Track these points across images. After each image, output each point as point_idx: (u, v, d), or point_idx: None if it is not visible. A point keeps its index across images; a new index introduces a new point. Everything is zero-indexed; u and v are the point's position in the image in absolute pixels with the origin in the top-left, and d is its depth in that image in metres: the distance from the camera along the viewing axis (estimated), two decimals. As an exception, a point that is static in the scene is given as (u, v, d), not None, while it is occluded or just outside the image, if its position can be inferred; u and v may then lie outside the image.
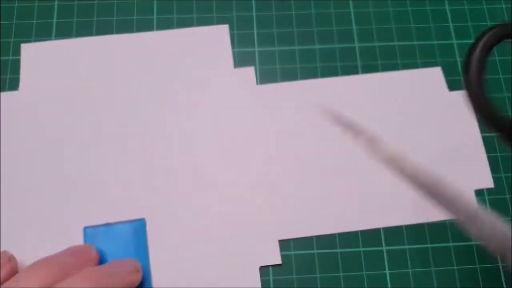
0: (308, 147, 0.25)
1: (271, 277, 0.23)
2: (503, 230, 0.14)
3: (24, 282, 0.18)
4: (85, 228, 0.23)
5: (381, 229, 0.24)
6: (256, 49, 0.27)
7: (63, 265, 0.20)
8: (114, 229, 0.23)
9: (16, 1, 0.28)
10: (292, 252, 0.24)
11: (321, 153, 0.25)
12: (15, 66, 0.26)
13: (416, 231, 0.24)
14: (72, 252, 0.21)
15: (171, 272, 0.23)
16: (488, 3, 0.29)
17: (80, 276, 0.19)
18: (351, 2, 0.29)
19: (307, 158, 0.25)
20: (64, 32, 0.27)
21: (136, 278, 0.21)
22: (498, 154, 0.26)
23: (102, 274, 0.20)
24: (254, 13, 0.28)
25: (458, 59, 0.28)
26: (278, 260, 0.23)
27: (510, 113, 0.27)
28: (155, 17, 0.28)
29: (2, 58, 0.27)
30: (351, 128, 0.17)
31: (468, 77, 0.15)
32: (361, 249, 0.24)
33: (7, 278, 0.20)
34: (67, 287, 0.18)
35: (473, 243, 0.24)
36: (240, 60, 0.27)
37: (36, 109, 0.25)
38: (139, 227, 0.23)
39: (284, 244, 0.24)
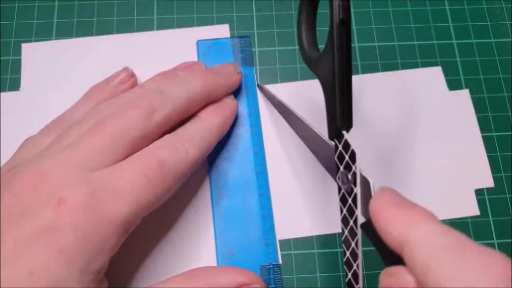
0: (308, 147, 0.25)
1: (271, 276, 0.23)
2: None
3: (142, 88, 0.22)
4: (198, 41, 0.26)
5: (381, 229, 0.24)
6: (256, 49, 0.27)
7: (177, 74, 0.23)
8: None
9: (17, 1, 0.28)
10: (292, 252, 0.24)
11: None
12: (16, 66, 0.26)
13: (416, 231, 0.24)
14: (184, 66, 0.24)
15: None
16: (488, 2, 0.29)
17: (189, 74, 0.23)
18: (351, 2, 0.29)
19: (307, 157, 0.25)
20: (65, 32, 0.27)
21: (238, 78, 0.25)
22: (498, 153, 0.26)
23: (207, 71, 0.23)
24: (254, 13, 0.28)
25: (458, 58, 0.28)
26: (278, 260, 0.23)
27: (510, 113, 0.27)
28: (155, 17, 0.28)
29: (2, 58, 0.27)
30: None
31: (298, 26, 0.22)
32: (362, 248, 0.24)
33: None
34: (178, 81, 0.22)
35: (473, 242, 0.24)
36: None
37: (37, 109, 0.26)
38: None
39: (284, 244, 0.24)
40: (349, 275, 0.17)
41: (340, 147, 0.18)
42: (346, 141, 0.18)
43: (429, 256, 0.13)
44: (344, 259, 0.18)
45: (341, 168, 0.18)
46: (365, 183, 0.17)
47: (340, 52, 0.17)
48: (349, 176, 0.17)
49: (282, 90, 0.26)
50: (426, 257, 0.13)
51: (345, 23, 0.17)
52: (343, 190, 0.18)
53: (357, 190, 0.17)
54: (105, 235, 0.17)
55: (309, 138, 0.23)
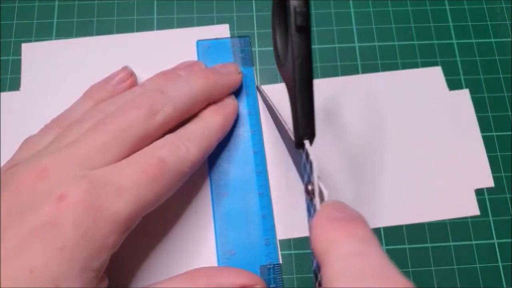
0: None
1: (271, 276, 0.23)
2: None
3: (143, 87, 0.23)
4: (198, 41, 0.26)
5: (381, 229, 0.24)
6: (256, 49, 0.27)
7: (177, 74, 0.24)
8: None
9: (17, 1, 0.28)
10: (292, 252, 0.24)
11: (321, 153, 0.25)
12: (16, 66, 0.26)
13: (416, 231, 0.24)
14: (184, 65, 0.25)
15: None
16: (488, 2, 0.29)
17: (190, 74, 0.23)
18: (351, 2, 0.29)
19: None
20: (65, 32, 0.27)
21: (239, 78, 0.25)
22: (498, 153, 0.26)
23: (208, 71, 0.23)
24: (254, 13, 0.28)
25: (458, 58, 0.28)
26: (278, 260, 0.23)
27: (510, 113, 0.27)
28: (155, 17, 0.28)
29: (2, 58, 0.27)
30: None
31: (272, 29, 0.20)
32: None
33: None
34: (179, 81, 0.22)
35: (473, 242, 0.24)
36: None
37: (37, 108, 0.26)
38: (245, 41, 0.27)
39: (284, 244, 0.24)
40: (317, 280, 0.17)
41: (303, 158, 0.18)
42: (307, 151, 0.17)
43: (333, 279, 0.13)
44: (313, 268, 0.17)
45: (305, 178, 0.18)
46: (322, 196, 0.16)
47: (299, 62, 0.17)
48: (309, 187, 0.17)
49: (282, 90, 0.26)
50: (331, 278, 0.13)
51: (303, 30, 0.16)
52: (307, 201, 0.18)
53: (316, 202, 0.16)
54: (105, 232, 0.17)
55: (288, 144, 0.23)
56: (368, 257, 0.13)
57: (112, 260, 0.18)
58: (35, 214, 0.16)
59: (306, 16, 0.16)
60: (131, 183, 0.18)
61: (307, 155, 0.17)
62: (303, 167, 0.18)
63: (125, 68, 0.24)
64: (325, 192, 0.16)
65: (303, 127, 0.17)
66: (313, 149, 0.17)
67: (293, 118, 0.18)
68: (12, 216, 0.17)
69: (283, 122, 0.22)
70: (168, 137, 0.20)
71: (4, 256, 0.16)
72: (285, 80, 0.19)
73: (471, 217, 0.25)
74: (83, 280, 0.16)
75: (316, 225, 0.15)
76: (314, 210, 0.16)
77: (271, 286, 0.23)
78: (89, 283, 0.17)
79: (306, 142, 0.17)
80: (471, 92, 0.27)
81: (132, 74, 0.24)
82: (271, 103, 0.24)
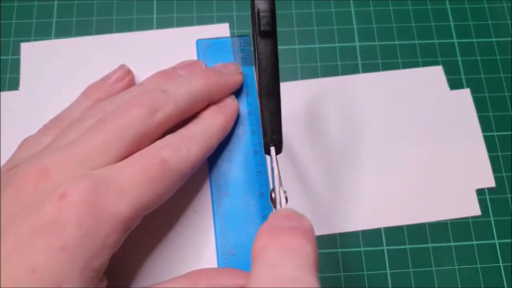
0: (309, 146, 0.25)
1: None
2: None
3: (143, 86, 0.23)
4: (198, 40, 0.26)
5: (382, 229, 0.24)
6: (257, 48, 0.27)
7: (177, 73, 0.24)
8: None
9: (16, 0, 0.28)
10: (293, 252, 0.24)
11: (321, 153, 0.25)
12: (15, 66, 0.26)
13: (417, 231, 0.24)
14: (184, 65, 0.25)
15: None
16: (489, 2, 0.29)
17: (191, 73, 0.23)
18: (351, 1, 0.29)
19: (308, 157, 0.25)
20: (64, 31, 0.27)
21: (239, 78, 0.24)
22: (500, 153, 0.26)
23: (209, 71, 0.23)
24: (254, 12, 0.28)
25: (459, 58, 0.28)
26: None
27: (511, 113, 0.27)
28: (155, 16, 0.28)
29: (2, 57, 0.27)
30: None
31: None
32: (362, 248, 0.24)
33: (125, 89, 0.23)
34: (179, 80, 0.22)
35: (474, 243, 0.24)
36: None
37: (36, 108, 0.25)
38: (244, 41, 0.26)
39: (285, 244, 0.24)
40: None
41: (270, 164, 0.18)
42: (271, 158, 0.17)
43: (248, 285, 0.14)
44: None
45: (271, 186, 0.18)
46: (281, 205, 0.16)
47: (263, 67, 0.16)
48: (273, 195, 0.17)
49: (282, 89, 0.26)
50: (247, 285, 0.14)
51: (268, 35, 0.16)
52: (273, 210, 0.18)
53: (278, 208, 0.17)
54: (106, 231, 0.17)
55: None
56: (281, 268, 0.14)
57: (113, 260, 0.18)
58: (36, 213, 0.16)
59: (270, 20, 0.15)
60: (132, 183, 0.18)
61: (272, 162, 0.17)
62: (271, 170, 0.18)
63: (122, 66, 0.24)
64: (283, 201, 0.16)
65: (269, 133, 0.17)
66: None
67: (260, 123, 0.18)
68: (13, 216, 0.16)
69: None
70: (169, 137, 0.20)
71: (6, 255, 0.16)
72: (256, 84, 0.18)
73: (472, 217, 0.25)
74: (84, 280, 0.16)
75: (258, 231, 0.15)
76: None
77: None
78: (90, 283, 0.16)
79: (272, 149, 0.17)
80: (472, 92, 0.27)
81: (129, 72, 0.24)
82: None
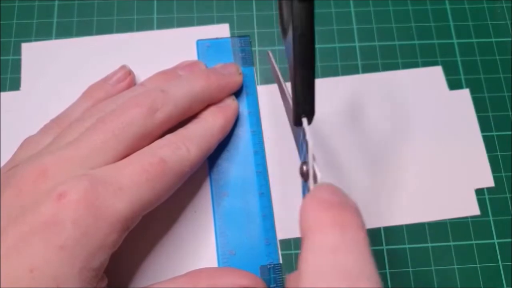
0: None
1: (271, 276, 0.23)
2: None
3: (143, 87, 0.23)
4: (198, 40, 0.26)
5: (382, 228, 0.24)
6: (257, 48, 0.27)
7: (177, 74, 0.24)
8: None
9: (17, 0, 0.28)
10: (293, 252, 0.24)
11: (320, 153, 0.25)
12: (16, 66, 0.26)
13: (416, 230, 0.24)
14: (185, 65, 0.25)
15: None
16: (489, 2, 0.29)
17: (191, 74, 0.23)
18: (351, 2, 0.29)
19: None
20: (65, 32, 0.27)
21: (239, 79, 0.25)
22: (499, 153, 0.26)
23: (209, 72, 0.23)
24: (254, 13, 0.28)
25: (458, 58, 0.28)
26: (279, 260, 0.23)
27: (510, 113, 0.27)
28: (155, 16, 0.28)
29: (2, 57, 0.27)
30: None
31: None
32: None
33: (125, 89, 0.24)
34: (180, 80, 0.22)
35: (473, 242, 0.24)
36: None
37: (37, 108, 0.25)
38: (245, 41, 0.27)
39: (285, 244, 0.24)
40: None
41: (301, 136, 0.17)
42: (304, 130, 0.16)
43: (302, 272, 0.13)
44: None
45: (301, 158, 0.17)
46: (316, 178, 0.15)
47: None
48: (304, 168, 0.16)
49: (280, 89, 0.26)
50: (301, 270, 0.13)
51: (304, 35, 0.15)
52: (302, 184, 0.17)
53: (310, 183, 0.16)
54: (105, 230, 0.17)
55: (291, 120, 0.21)
56: (344, 253, 0.13)
57: (112, 260, 0.18)
58: (35, 213, 0.16)
59: (311, 20, 0.15)
60: (132, 182, 0.18)
61: (304, 134, 0.16)
62: (300, 146, 0.17)
63: (123, 67, 0.25)
64: (319, 175, 0.15)
65: (302, 103, 0.16)
66: (311, 128, 0.16)
67: (292, 94, 0.17)
68: (13, 216, 0.17)
69: (287, 95, 0.21)
70: (169, 136, 0.20)
71: (5, 255, 0.16)
72: (286, 53, 0.18)
73: (472, 217, 0.25)
74: (83, 279, 0.16)
75: (304, 205, 0.14)
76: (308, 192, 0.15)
77: (271, 286, 0.23)
78: (89, 282, 0.17)
79: (304, 120, 0.17)
80: (472, 92, 0.27)
81: (130, 73, 0.24)
82: (279, 74, 0.23)
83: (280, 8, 0.19)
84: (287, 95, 0.21)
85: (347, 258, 0.12)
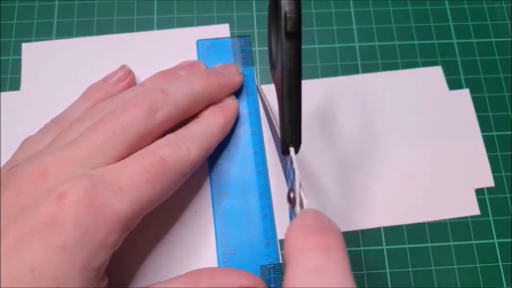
0: (307, 146, 0.26)
1: (271, 276, 0.23)
2: None
3: (143, 87, 0.23)
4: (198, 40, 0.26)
5: (382, 228, 0.24)
6: (257, 48, 0.27)
7: (177, 74, 0.24)
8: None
9: (17, 0, 0.28)
10: (293, 251, 0.24)
11: (319, 154, 0.25)
12: (16, 66, 0.26)
13: (416, 230, 0.24)
14: (185, 65, 0.25)
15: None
16: (488, 2, 0.29)
17: (191, 74, 0.23)
18: (351, 2, 0.29)
19: (308, 157, 0.25)
20: (65, 32, 0.27)
21: (239, 79, 0.24)
22: (499, 153, 0.26)
23: (209, 72, 0.23)
24: (254, 13, 0.28)
25: (458, 58, 0.28)
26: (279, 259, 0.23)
27: (510, 113, 0.27)
28: (155, 16, 0.28)
29: (2, 57, 0.27)
30: None
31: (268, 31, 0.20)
32: (362, 248, 0.24)
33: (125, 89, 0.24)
34: (180, 80, 0.22)
35: (473, 242, 0.24)
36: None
37: (37, 108, 0.26)
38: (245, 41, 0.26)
39: (285, 243, 0.24)
40: None
41: (288, 164, 0.18)
42: (291, 158, 0.17)
43: None
44: None
45: (289, 185, 0.18)
46: (302, 204, 0.16)
47: (287, 68, 0.16)
48: (291, 195, 0.17)
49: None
50: None
51: (294, 36, 0.16)
52: (289, 209, 0.17)
53: (297, 210, 0.16)
54: (106, 230, 0.17)
55: (278, 148, 0.22)
56: (327, 275, 0.13)
57: (112, 260, 0.18)
58: (35, 213, 0.16)
59: (297, 22, 0.15)
60: (132, 182, 0.18)
61: (291, 162, 0.17)
62: (288, 173, 0.18)
63: (123, 67, 0.25)
64: (305, 201, 0.16)
65: (289, 133, 0.17)
66: (299, 156, 0.17)
67: (280, 124, 0.18)
68: (13, 216, 0.17)
69: (275, 124, 0.22)
70: (169, 136, 0.20)
71: (5, 255, 0.16)
72: (275, 84, 0.19)
73: (471, 216, 0.25)
74: (84, 279, 0.16)
75: (290, 230, 0.14)
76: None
77: (271, 286, 0.23)
78: (90, 282, 0.17)
79: (291, 149, 0.17)
80: (471, 92, 0.27)
81: (130, 72, 0.24)
82: (267, 104, 0.24)
83: (269, 44, 0.20)
84: (275, 125, 0.22)
85: (330, 277, 0.13)
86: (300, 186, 0.16)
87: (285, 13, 0.15)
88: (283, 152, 0.18)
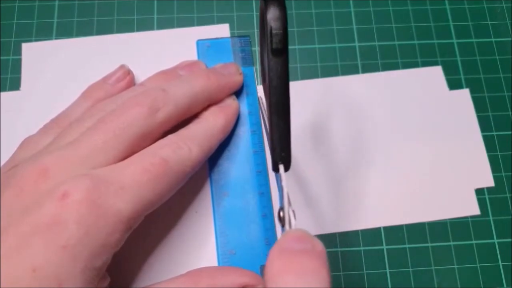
0: (307, 146, 0.26)
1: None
2: None
3: (143, 86, 0.22)
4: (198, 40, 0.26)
5: (382, 228, 0.24)
6: (257, 48, 0.27)
7: (177, 73, 0.24)
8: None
9: (17, 0, 0.28)
10: (293, 251, 0.24)
11: (320, 153, 0.26)
12: (16, 66, 0.26)
13: (416, 230, 0.24)
14: (185, 65, 0.24)
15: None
16: (488, 2, 0.29)
17: (191, 74, 0.23)
18: (351, 2, 0.29)
19: (308, 157, 0.25)
20: (65, 32, 0.27)
21: (240, 79, 0.24)
22: (499, 153, 0.26)
23: (210, 72, 0.23)
24: (254, 13, 0.28)
25: (458, 58, 0.28)
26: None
27: (510, 112, 0.27)
28: (155, 16, 0.28)
29: (3, 57, 0.27)
30: None
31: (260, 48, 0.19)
32: (362, 248, 0.24)
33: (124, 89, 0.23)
34: (180, 80, 0.22)
35: (473, 242, 0.24)
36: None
37: (37, 108, 0.26)
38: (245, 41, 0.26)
39: (285, 243, 0.24)
40: None
41: (279, 182, 0.18)
42: (280, 176, 0.17)
43: None
44: None
45: (279, 203, 0.18)
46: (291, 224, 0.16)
47: (274, 85, 0.16)
48: (281, 214, 0.17)
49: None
50: None
51: (280, 53, 0.15)
52: (281, 227, 0.17)
53: (286, 229, 0.16)
54: (108, 230, 0.17)
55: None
56: None
57: (113, 259, 0.18)
58: (37, 212, 0.16)
59: (283, 38, 0.15)
60: (133, 182, 0.18)
61: (281, 180, 0.17)
62: (278, 189, 0.18)
63: (122, 66, 0.25)
64: (293, 222, 0.16)
65: (278, 151, 0.17)
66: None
67: (269, 141, 0.18)
68: (14, 215, 0.16)
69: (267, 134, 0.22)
70: (170, 136, 0.20)
71: (7, 254, 0.16)
72: (265, 98, 0.18)
73: (472, 216, 0.25)
74: (85, 279, 0.16)
75: (270, 253, 0.15)
76: None
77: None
78: (91, 282, 0.17)
79: (281, 167, 0.17)
80: (472, 92, 0.27)
81: (129, 72, 0.24)
82: (263, 117, 0.24)
83: (261, 56, 0.20)
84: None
85: None
86: (290, 204, 0.16)
87: (271, 29, 0.15)
88: (273, 169, 0.18)
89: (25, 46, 0.27)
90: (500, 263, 0.24)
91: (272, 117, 0.17)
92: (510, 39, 0.28)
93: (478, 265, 0.24)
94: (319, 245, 0.15)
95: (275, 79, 0.16)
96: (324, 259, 0.14)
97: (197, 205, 0.24)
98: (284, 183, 0.16)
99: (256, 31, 0.28)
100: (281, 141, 0.17)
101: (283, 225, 0.17)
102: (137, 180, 0.18)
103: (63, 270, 0.16)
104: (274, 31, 0.15)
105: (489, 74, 0.28)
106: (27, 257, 0.15)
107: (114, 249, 0.17)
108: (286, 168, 0.17)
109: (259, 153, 0.25)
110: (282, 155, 0.17)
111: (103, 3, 0.28)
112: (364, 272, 0.24)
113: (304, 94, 0.27)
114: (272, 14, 0.15)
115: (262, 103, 0.25)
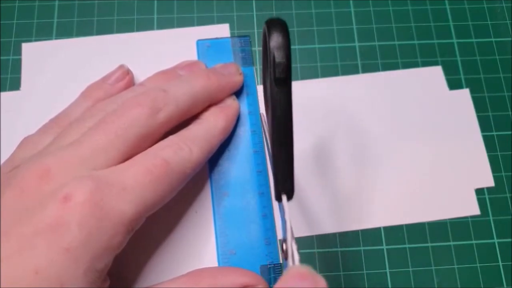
0: (307, 146, 0.26)
1: (271, 276, 0.23)
2: None
3: (143, 87, 0.23)
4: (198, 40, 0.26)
5: (382, 228, 0.24)
6: (257, 48, 0.27)
7: (177, 73, 0.24)
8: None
9: (17, 0, 0.28)
10: (293, 251, 0.24)
11: (319, 153, 0.26)
12: (16, 66, 0.26)
13: (417, 230, 0.24)
14: (184, 65, 0.25)
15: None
16: (488, 2, 0.29)
17: (191, 74, 0.23)
18: (351, 2, 0.29)
19: (308, 157, 0.25)
20: (65, 32, 0.27)
21: (240, 79, 0.24)
22: (499, 153, 0.26)
23: (210, 72, 0.23)
24: (254, 13, 0.28)
25: (458, 58, 0.28)
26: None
27: (510, 112, 0.27)
28: (155, 16, 0.28)
29: (3, 57, 0.27)
30: None
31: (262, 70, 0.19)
32: (362, 248, 0.24)
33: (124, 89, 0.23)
34: (180, 80, 0.22)
35: (473, 242, 0.24)
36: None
37: (37, 108, 0.26)
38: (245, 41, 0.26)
39: (285, 243, 0.24)
40: None
41: (281, 212, 0.17)
42: (283, 208, 0.17)
43: None
44: None
45: (282, 234, 0.17)
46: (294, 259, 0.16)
47: (276, 117, 0.15)
48: (284, 247, 0.17)
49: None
50: None
51: (283, 83, 0.15)
52: (283, 259, 0.17)
53: (289, 262, 0.16)
54: (110, 232, 0.17)
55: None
56: None
57: (114, 261, 0.18)
58: (40, 214, 0.16)
59: (286, 68, 0.15)
60: (135, 184, 0.18)
61: (284, 211, 0.17)
62: (281, 219, 0.18)
63: (121, 66, 0.24)
64: (297, 257, 0.15)
65: (281, 182, 0.17)
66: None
67: (272, 171, 0.17)
68: (16, 217, 0.16)
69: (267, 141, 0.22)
70: (171, 137, 0.20)
71: (9, 256, 0.15)
72: (267, 125, 0.18)
73: (472, 216, 0.25)
74: (87, 281, 0.16)
75: None
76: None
77: (271, 286, 0.23)
78: (93, 283, 0.17)
79: (284, 197, 0.17)
80: (472, 92, 0.27)
81: (128, 72, 0.24)
82: (265, 135, 0.24)
83: (264, 81, 0.19)
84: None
85: None
86: (293, 237, 0.16)
87: (274, 58, 0.14)
88: (276, 198, 0.17)
89: (25, 46, 0.27)
90: (500, 263, 0.24)
91: (274, 148, 0.16)
92: (510, 39, 0.28)
93: (478, 265, 0.24)
94: (322, 282, 0.15)
95: (278, 109, 0.15)
96: None
97: (197, 205, 0.24)
98: (287, 216, 0.16)
99: (256, 31, 0.28)
100: (284, 172, 0.16)
101: (285, 258, 0.16)
102: (139, 181, 0.18)
103: (65, 272, 0.16)
104: (277, 60, 0.14)
105: (489, 74, 0.28)
106: (29, 259, 0.15)
107: (116, 251, 0.17)
108: (289, 198, 0.17)
109: (259, 153, 0.25)
110: (285, 185, 0.17)
111: (103, 3, 0.28)
112: (364, 272, 0.24)
113: (304, 94, 0.27)
114: (275, 42, 0.15)
115: (265, 121, 0.24)
